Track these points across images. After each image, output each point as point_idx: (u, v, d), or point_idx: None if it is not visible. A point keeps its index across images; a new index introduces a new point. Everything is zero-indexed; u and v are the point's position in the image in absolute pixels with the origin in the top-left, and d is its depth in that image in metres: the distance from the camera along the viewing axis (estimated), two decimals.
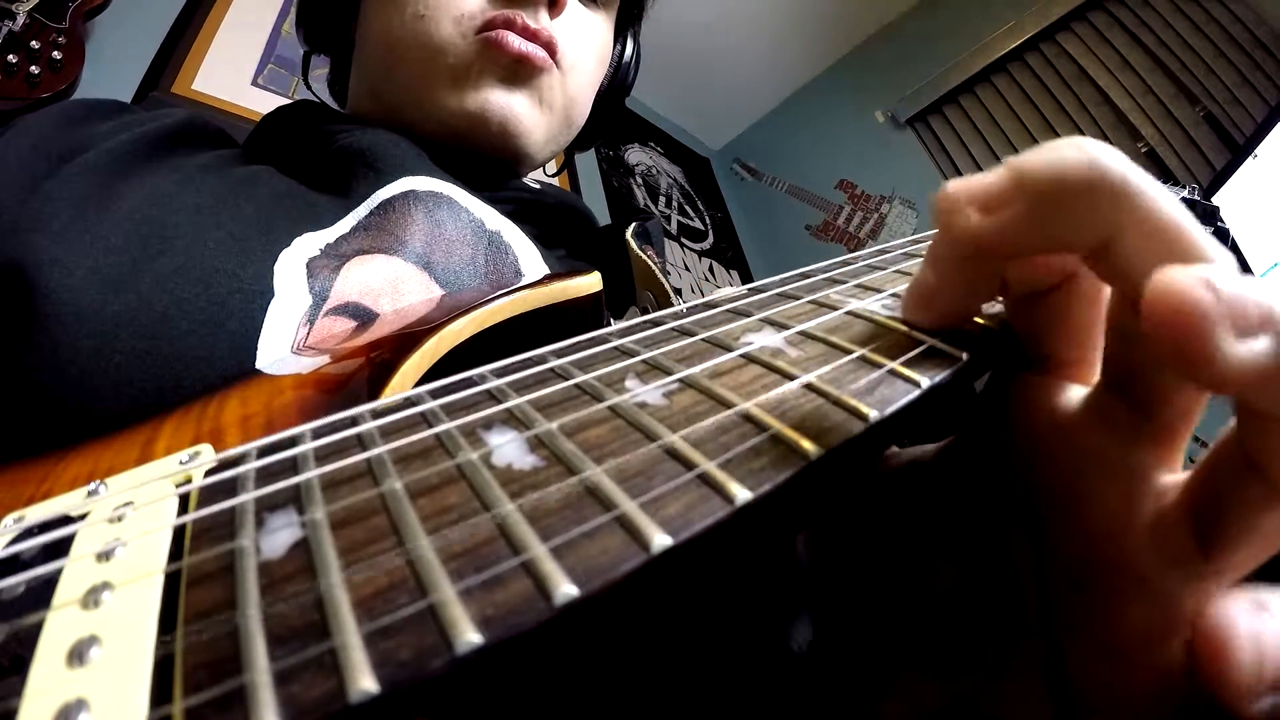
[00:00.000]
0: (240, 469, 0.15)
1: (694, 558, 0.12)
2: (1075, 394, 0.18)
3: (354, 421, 0.17)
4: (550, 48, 0.47)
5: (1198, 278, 0.12)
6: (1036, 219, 0.15)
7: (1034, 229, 0.16)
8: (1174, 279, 0.13)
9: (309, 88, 0.67)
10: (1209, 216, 0.91)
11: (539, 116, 0.49)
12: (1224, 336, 0.12)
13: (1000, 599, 0.18)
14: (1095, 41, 2.06)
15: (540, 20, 0.47)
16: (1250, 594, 0.14)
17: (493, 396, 0.17)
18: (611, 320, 0.42)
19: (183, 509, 0.14)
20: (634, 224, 0.49)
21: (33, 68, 1.01)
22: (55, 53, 1.04)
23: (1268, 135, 1.34)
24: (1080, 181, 0.15)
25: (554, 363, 0.19)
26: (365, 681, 0.09)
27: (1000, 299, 0.19)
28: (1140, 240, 0.15)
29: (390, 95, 0.50)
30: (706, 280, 2.42)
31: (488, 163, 0.49)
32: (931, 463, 0.21)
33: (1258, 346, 0.12)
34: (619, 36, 0.62)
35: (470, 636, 0.10)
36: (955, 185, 0.17)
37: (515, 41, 0.45)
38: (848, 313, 0.20)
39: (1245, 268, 1.35)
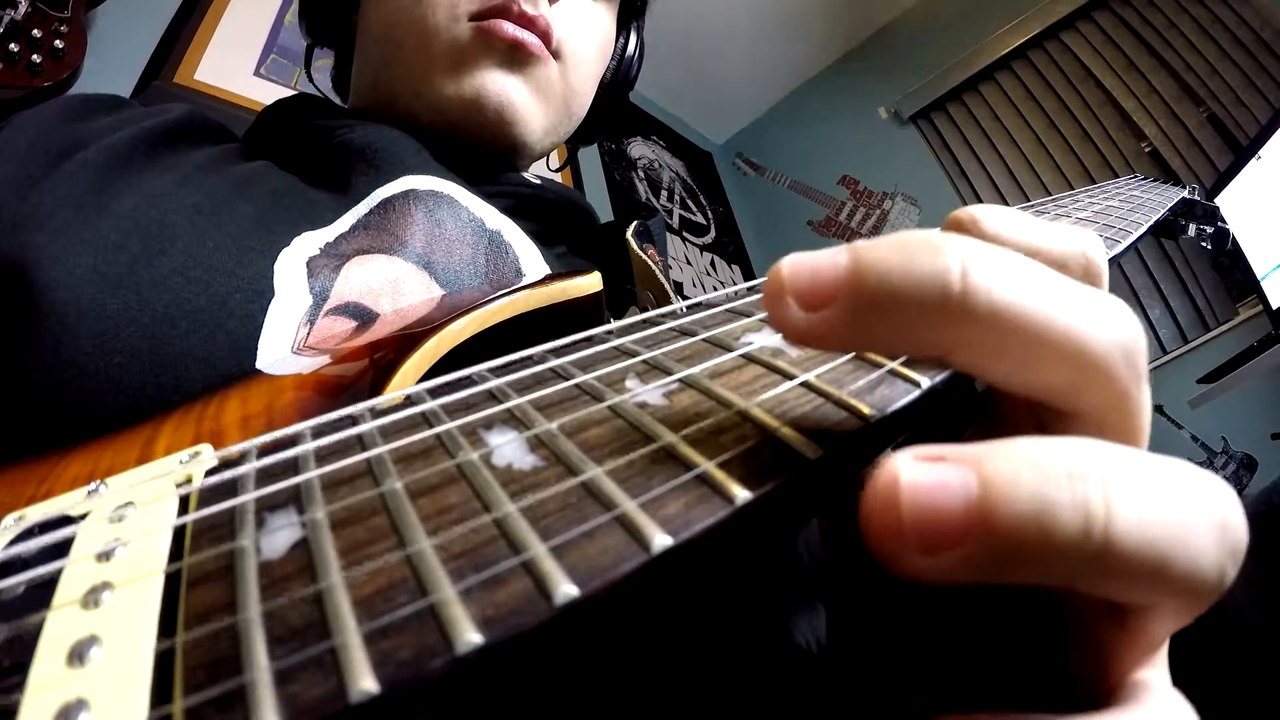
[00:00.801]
0: (240, 469, 0.15)
1: (694, 558, 0.12)
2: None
3: (354, 421, 0.17)
4: (546, 36, 0.47)
5: (889, 500, 0.12)
6: (857, 326, 0.14)
7: (853, 335, 0.14)
8: (871, 493, 0.12)
9: (311, 80, 0.67)
10: (1209, 217, 0.91)
11: (536, 105, 0.49)
12: (908, 555, 0.12)
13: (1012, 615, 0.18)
14: (1100, 41, 2.05)
15: (538, 7, 0.46)
16: None
17: (493, 396, 0.17)
18: (612, 319, 0.42)
19: (183, 509, 0.14)
20: (635, 223, 0.49)
21: (34, 56, 1.01)
22: (57, 41, 1.04)
23: (1272, 137, 1.34)
24: (911, 296, 0.13)
25: (554, 362, 0.19)
26: (365, 681, 0.09)
27: None
28: (981, 365, 0.14)
29: (388, 85, 0.50)
30: (708, 274, 2.42)
31: (487, 155, 0.49)
32: None
33: (943, 563, 0.11)
34: (621, 29, 0.61)
35: (470, 636, 0.10)
36: (789, 265, 0.14)
37: (509, 28, 0.45)
38: None
39: (1248, 269, 1.35)
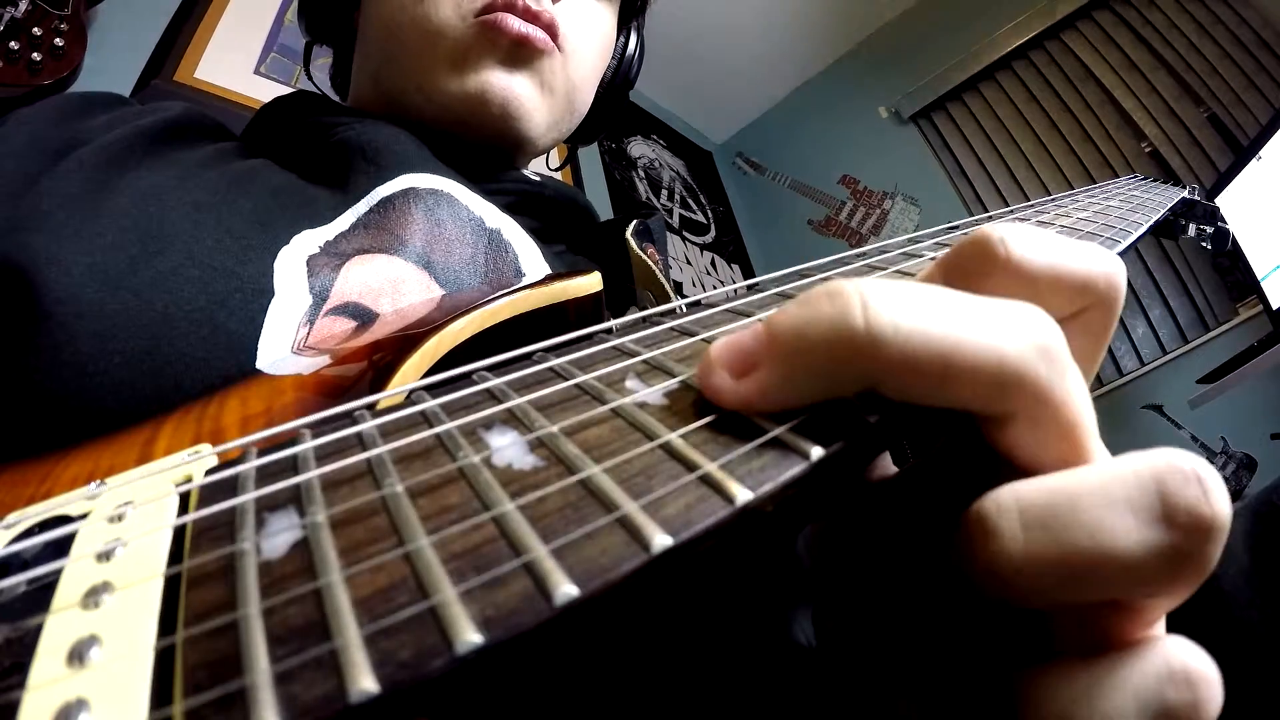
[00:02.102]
0: (240, 468, 0.15)
1: (695, 557, 0.12)
2: None
3: (353, 420, 0.17)
4: (551, 30, 0.47)
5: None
6: (784, 380, 0.15)
7: (782, 390, 0.15)
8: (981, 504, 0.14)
9: (311, 79, 0.67)
10: (1209, 217, 0.91)
11: (540, 100, 0.49)
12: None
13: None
14: (1100, 40, 2.05)
15: (541, 3, 0.46)
16: None
17: (493, 396, 0.17)
18: (611, 319, 0.42)
19: (183, 509, 0.14)
20: (634, 222, 0.49)
21: (34, 54, 1.01)
22: (57, 40, 1.04)
23: (1272, 137, 1.34)
24: (823, 341, 0.14)
25: (554, 362, 0.19)
26: (365, 681, 0.09)
27: None
28: (906, 390, 0.15)
29: (391, 81, 0.50)
30: (708, 274, 2.42)
31: (489, 152, 0.49)
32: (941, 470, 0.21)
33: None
34: (621, 29, 0.61)
35: (470, 637, 0.10)
36: (716, 346, 0.16)
37: (515, 23, 0.45)
38: None
39: (1247, 269, 1.35)
